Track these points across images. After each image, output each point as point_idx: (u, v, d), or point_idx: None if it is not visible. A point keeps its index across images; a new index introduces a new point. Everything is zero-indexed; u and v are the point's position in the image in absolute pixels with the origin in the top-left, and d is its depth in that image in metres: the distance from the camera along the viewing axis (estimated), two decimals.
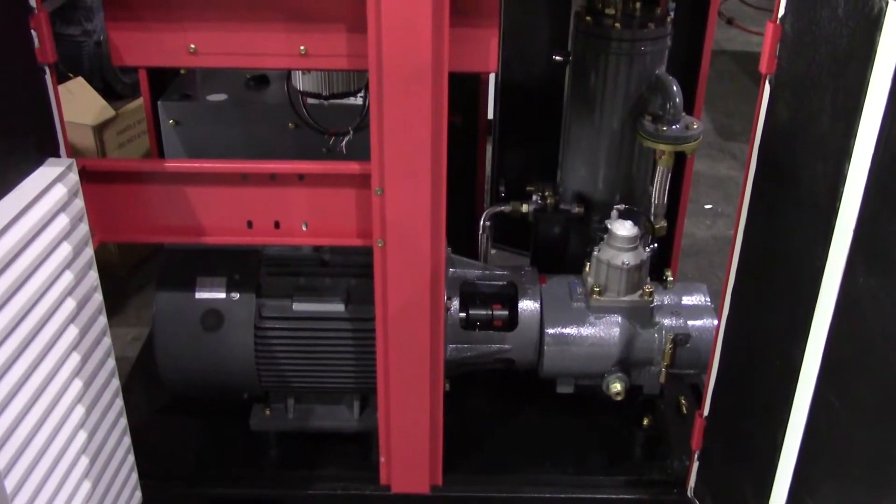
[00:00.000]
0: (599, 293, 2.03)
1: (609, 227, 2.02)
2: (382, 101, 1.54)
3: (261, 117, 2.08)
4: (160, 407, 2.24)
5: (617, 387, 2.03)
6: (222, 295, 1.98)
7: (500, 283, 2.13)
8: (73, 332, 1.47)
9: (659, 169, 2.05)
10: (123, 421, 1.71)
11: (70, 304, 1.46)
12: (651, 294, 2.03)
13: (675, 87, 1.99)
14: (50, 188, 1.42)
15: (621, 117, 2.10)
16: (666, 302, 2.07)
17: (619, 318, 2.04)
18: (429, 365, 1.80)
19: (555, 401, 2.14)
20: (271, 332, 1.99)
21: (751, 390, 1.65)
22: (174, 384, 2.07)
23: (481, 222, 2.25)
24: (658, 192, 2.08)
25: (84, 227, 1.52)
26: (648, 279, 2.06)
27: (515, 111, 2.79)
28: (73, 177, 1.49)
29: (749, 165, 1.58)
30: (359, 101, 1.94)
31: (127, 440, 1.73)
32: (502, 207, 2.27)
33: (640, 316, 2.04)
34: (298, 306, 1.99)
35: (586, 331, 2.03)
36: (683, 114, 2.02)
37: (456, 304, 2.05)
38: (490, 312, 2.08)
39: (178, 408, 2.23)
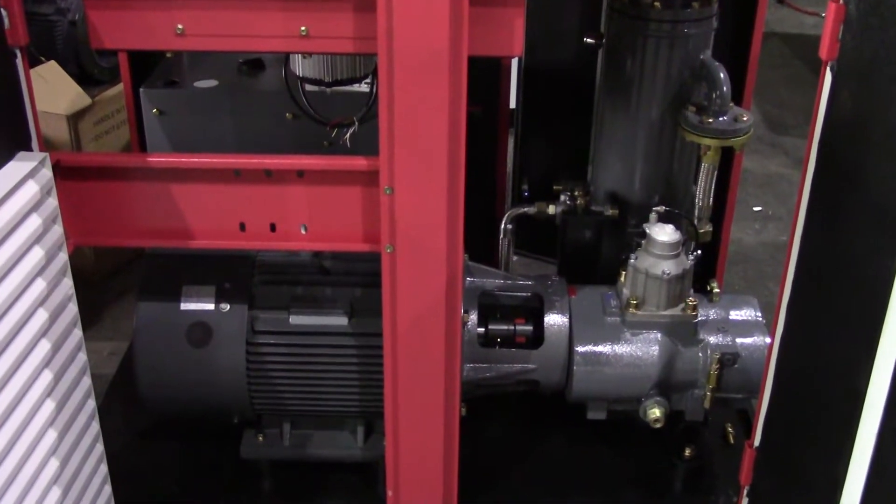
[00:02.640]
0: (636, 306, 2.03)
1: (647, 231, 2.02)
2: (393, 88, 1.54)
3: (255, 106, 2.08)
4: (140, 431, 2.24)
5: (655, 413, 2.02)
6: (210, 306, 1.98)
7: (524, 294, 2.13)
8: (45, 346, 1.47)
9: (703, 166, 2.05)
10: (100, 447, 1.70)
11: (42, 316, 1.46)
12: (694, 308, 2.02)
13: (722, 75, 1.99)
14: (20, 185, 1.43)
15: (661, 108, 2.09)
16: (711, 317, 2.07)
17: (659, 335, 2.03)
18: (443, 386, 1.80)
19: (585, 428, 2.14)
20: (265, 348, 1.99)
21: (808, 418, 1.64)
22: (156, 406, 2.07)
23: (502, 225, 2.25)
24: (702, 192, 2.08)
25: (58, 230, 1.53)
26: (691, 291, 2.06)
27: (541, 101, 2.79)
28: (47, 173, 1.49)
29: (807, 163, 1.57)
30: (365, 88, 1.94)
31: (104, 468, 1.73)
32: (526, 209, 2.27)
33: (683, 332, 2.03)
34: (296, 319, 1.99)
35: (621, 349, 2.03)
36: (731, 104, 2.02)
37: (474, 317, 2.04)
38: (512, 328, 2.08)
39: (161, 432, 2.23)
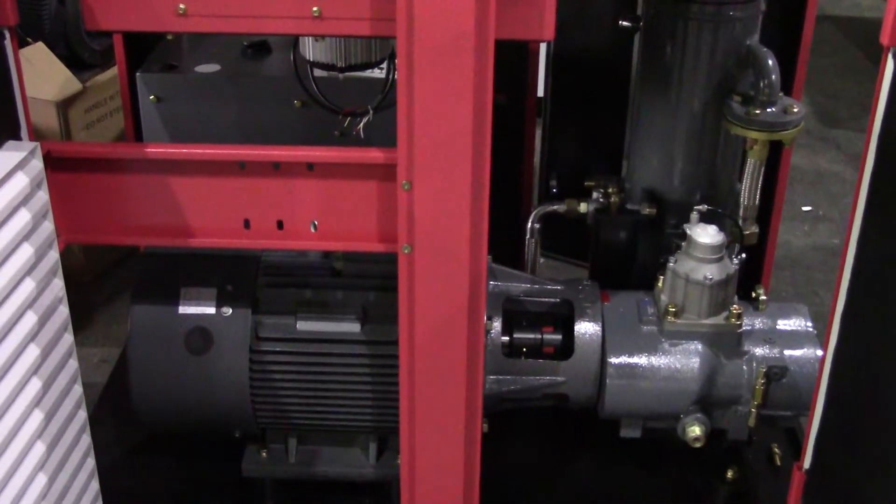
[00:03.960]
0: (675, 314, 2.02)
1: (688, 232, 2.01)
2: (413, 74, 1.54)
3: (261, 93, 2.09)
4: (134, 445, 2.25)
5: (695, 431, 2.02)
6: (211, 310, 1.99)
7: (552, 300, 2.13)
8: (33, 352, 1.48)
9: (749, 162, 2.04)
10: (91, 462, 1.71)
11: (30, 319, 1.47)
12: (739, 316, 2.02)
13: (770, 62, 1.98)
14: (9, 178, 1.43)
15: (704, 98, 2.09)
16: (757, 326, 2.06)
17: (700, 346, 2.03)
18: (464, 400, 1.80)
19: (618, 447, 2.14)
20: (270, 356, 2.00)
21: (865, 439, 1.63)
22: (151, 418, 2.08)
23: (529, 225, 2.25)
24: (748, 190, 2.08)
25: (48, 226, 1.53)
26: (736, 298, 2.05)
27: (571, 89, 2.79)
28: (37, 164, 1.50)
29: (865, 159, 1.56)
30: (381, 74, 1.94)
31: (95, 485, 1.73)
32: (555, 207, 2.27)
33: (726, 343, 2.03)
34: (304, 325, 1.99)
35: (658, 361, 2.03)
36: (780, 94, 2.01)
37: (498, 325, 2.04)
38: (539, 336, 2.09)
39: (155, 447, 2.24)
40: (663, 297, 2.06)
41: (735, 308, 2.02)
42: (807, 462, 1.82)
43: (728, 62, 2.06)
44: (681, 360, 2.02)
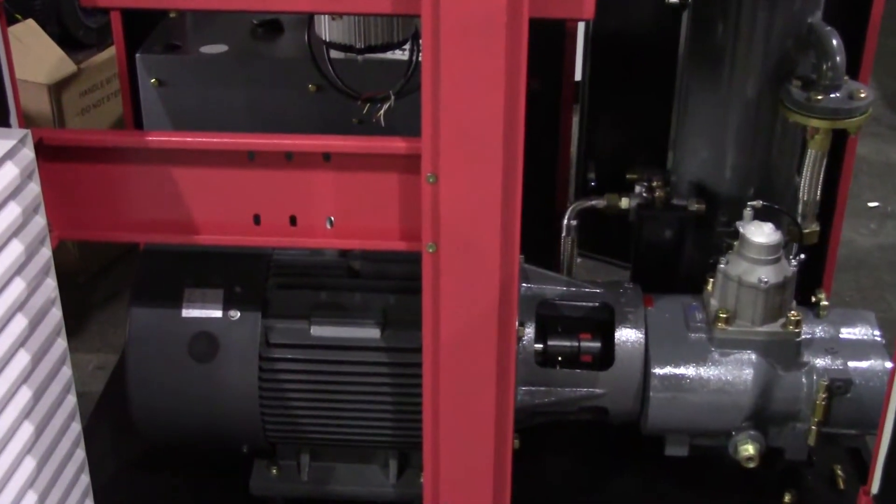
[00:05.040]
0: (727, 321, 2.02)
1: (741, 230, 2.00)
2: (439, 56, 1.53)
3: (272, 76, 2.09)
4: (132, 461, 2.26)
5: (749, 450, 2.01)
6: (218, 313, 2.00)
7: (591, 304, 2.13)
8: (23, 359, 1.48)
9: (809, 153, 2.03)
10: (85, 478, 1.71)
11: (20, 323, 1.47)
12: (797, 324, 2.01)
13: (834, 42, 1.97)
14: None
15: (759, 82, 2.08)
16: (818, 334, 2.06)
17: (754, 356, 2.02)
18: (493, 414, 1.79)
19: (662, 466, 2.13)
20: (281, 363, 2.00)
21: None
22: (151, 430, 2.09)
23: (565, 221, 2.25)
24: (808, 184, 2.07)
25: (40, 221, 1.53)
26: (794, 303, 2.04)
27: (612, 73, 2.78)
28: (28, 153, 1.50)
29: None
30: (404, 55, 1.94)
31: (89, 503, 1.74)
32: (593, 202, 2.27)
33: (783, 353, 2.02)
34: (318, 330, 2.00)
35: (708, 372, 2.02)
36: (846, 77, 2.00)
37: (531, 331, 2.04)
38: (576, 344, 2.09)
39: (156, 462, 2.25)
40: (713, 302, 2.05)
41: (793, 314, 2.01)
42: (875, 486, 1.80)
43: (786, 42, 2.05)
44: (732, 371, 2.02)
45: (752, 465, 2.03)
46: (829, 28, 2.00)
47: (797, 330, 2.01)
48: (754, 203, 2.03)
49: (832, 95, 1.98)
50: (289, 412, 2.02)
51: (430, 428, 1.82)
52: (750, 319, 2.01)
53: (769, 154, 2.15)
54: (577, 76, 2.76)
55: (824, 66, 1.98)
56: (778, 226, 2.02)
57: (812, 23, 2.03)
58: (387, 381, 2.00)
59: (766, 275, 1.98)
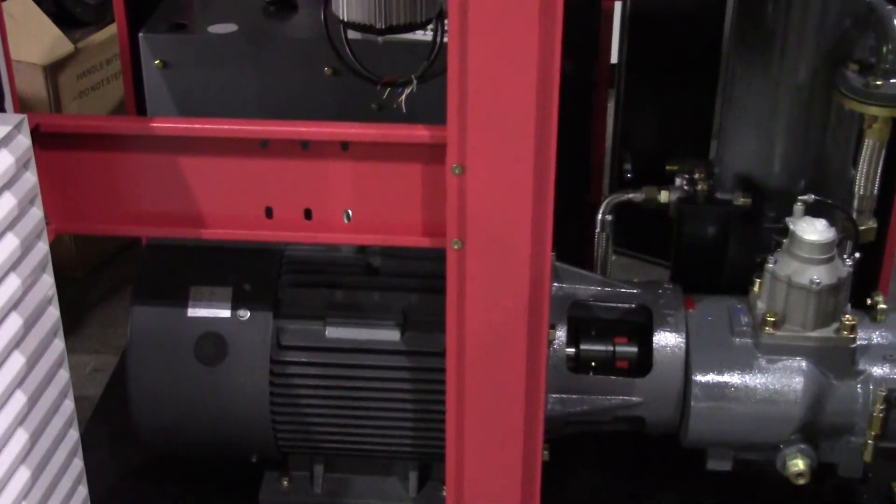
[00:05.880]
0: (774, 325, 2.01)
1: (791, 227, 1.99)
2: (467, 36, 1.53)
3: (285, 58, 2.09)
4: (132, 471, 2.27)
5: (798, 465, 2.01)
6: (226, 313, 2.00)
7: (627, 305, 2.12)
8: (18, 361, 1.48)
9: (866, 143, 2.03)
10: (83, 490, 1.72)
11: (15, 322, 1.48)
12: (852, 329, 2.00)
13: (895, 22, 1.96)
14: None
15: (812, 66, 2.08)
16: (875, 341, 2.05)
17: (804, 364, 2.02)
18: (522, 423, 1.80)
19: (704, 482, 2.13)
20: (294, 367, 2.01)
21: None
22: (153, 438, 2.09)
23: (599, 216, 2.24)
24: (864, 176, 2.06)
25: (37, 213, 1.54)
26: (848, 306, 2.04)
27: (651, 55, 2.77)
28: (24, 140, 1.50)
29: None
30: (428, 36, 1.93)
31: None
32: (630, 195, 2.27)
33: (836, 361, 2.01)
34: (334, 332, 2.00)
35: (754, 380, 2.01)
36: None
37: (563, 335, 2.04)
38: (611, 349, 2.08)
39: (158, 472, 2.25)
40: (760, 305, 2.04)
41: (848, 318, 2.00)
42: None
43: (843, 23, 2.04)
44: (781, 379, 2.01)
45: (802, 481, 2.02)
46: (890, 7, 1.98)
47: (852, 335, 2.00)
48: (806, 197, 2.02)
49: (892, 81, 1.96)
50: (302, 419, 2.03)
51: (454, 437, 1.82)
52: (800, 324, 2.01)
53: (822, 144, 2.15)
54: (614, 59, 2.76)
55: (885, 49, 1.96)
56: (831, 222, 2.01)
57: (871, 1, 2.02)
58: (407, 387, 2.00)
59: (818, 275, 1.97)
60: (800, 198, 2.02)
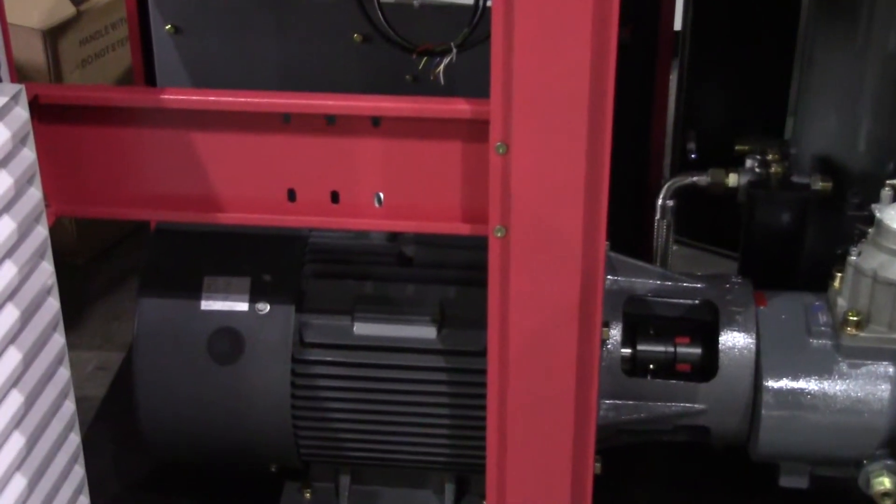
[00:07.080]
0: (857, 325, 2.00)
1: (877, 215, 1.98)
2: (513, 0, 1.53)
3: (310, 24, 2.09)
4: (138, 478, 2.28)
5: (884, 483, 1.99)
6: (243, 306, 2.01)
7: (690, 301, 2.12)
8: (14, 358, 1.49)
9: None
10: (85, 500, 1.73)
11: (11, 315, 1.48)
12: None
13: None
14: None
15: None
16: None
17: (892, 369, 2.01)
18: (571, 431, 1.80)
19: (776, 499, 2.12)
20: (319, 367, 2.01)
21: None
22: (162, 444, 2.11)
23: (659, 201, 2.25)
24: None
25: (36, 194, 1.55)
26: None
27: (719, 22, 2.76)
28: (22, 113, 1.51)
29: None
30: (469, 0, 1.93)
31: None
32: (694, 178, 2.27)
33: None
34: (363, 328, 2.01)
35: (834, 387, 2.01)
36: None
37: (618, 334, 2.04)
38: (671, 350, 2.08)
39: (166, 482, 2.27)
40: (841, 302, 2.03)
41: None
42: None
43: None
44: (864, 386, 2.00)
45: (888, 502, 2.01)
46: None
47: None
48: (894, 182, 2.01)
49: None
50: (326, 425, 2.04)
51: (495, 447, 1.82)
52: (887, 324, 1.99)
53: None
54: (677, 25, 2.74)
55: None
56: None
57: None
58: (443, 391, 2.00)
59: None
60: (888, 182, 2.01)
